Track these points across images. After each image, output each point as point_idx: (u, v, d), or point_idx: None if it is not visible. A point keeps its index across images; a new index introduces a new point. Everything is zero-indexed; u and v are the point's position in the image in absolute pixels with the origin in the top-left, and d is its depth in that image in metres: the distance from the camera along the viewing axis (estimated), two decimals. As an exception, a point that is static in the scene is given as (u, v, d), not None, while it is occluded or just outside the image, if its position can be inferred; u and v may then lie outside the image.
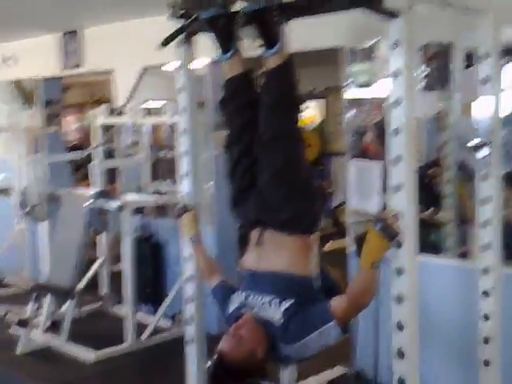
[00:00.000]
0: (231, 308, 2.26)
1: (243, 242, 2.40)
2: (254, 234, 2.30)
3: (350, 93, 3.55)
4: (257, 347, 2.09)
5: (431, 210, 3.46)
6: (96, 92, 8.63)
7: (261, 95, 2.22)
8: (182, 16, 2.35)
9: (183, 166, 2.69)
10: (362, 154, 3.50)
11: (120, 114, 4.73)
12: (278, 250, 2.21)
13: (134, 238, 4.18)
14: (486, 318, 2.51)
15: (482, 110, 2.46)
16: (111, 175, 4.84)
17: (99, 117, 4.84)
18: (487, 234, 2.50)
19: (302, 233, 2.23)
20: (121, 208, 3.88)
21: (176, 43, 2.54)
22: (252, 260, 2.28)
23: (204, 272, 2.55)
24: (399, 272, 2.03)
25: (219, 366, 2.08)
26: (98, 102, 7.07)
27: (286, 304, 2.13)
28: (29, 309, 4.31)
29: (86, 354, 4.06)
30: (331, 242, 6.36)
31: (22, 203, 4.62)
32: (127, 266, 4.09)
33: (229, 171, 2.37)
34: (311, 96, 7.96)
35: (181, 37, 2.51)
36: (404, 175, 2.00)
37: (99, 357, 4.05)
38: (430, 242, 3.36)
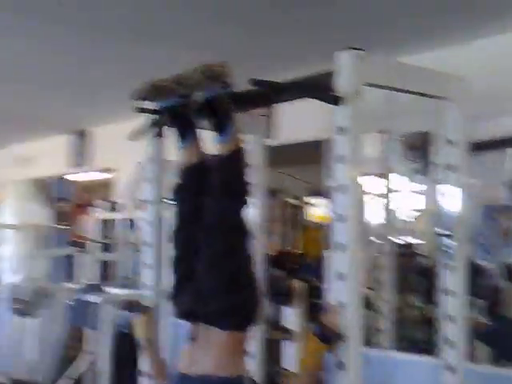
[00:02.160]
0: None
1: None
2: (191, 328, 2.17)
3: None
4: None
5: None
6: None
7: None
8: (144, 108, 2.40)
9: (144, 258, 2.64)
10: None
11: (119, 209, 4.81)
12: (207, 347, 2.08)
13: (114, 334, 4.02)
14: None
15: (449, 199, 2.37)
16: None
17: (99, 212, 4.92)
18: (450, 330, 2.30)
19: (233, 328, 2.07)
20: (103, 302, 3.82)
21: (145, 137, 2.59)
22: (184, 359, 2.15)
23: (153, 374, 2.47)
24: (340, 366, 1.92)
25: None
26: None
27: None
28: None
29: None
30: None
31: (14, 298, 4.59)
32: (104, 364, 3.93)
33: (173, 259, 2.27)
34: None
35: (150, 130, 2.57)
36: (347, 264, 1.95)
37: None
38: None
